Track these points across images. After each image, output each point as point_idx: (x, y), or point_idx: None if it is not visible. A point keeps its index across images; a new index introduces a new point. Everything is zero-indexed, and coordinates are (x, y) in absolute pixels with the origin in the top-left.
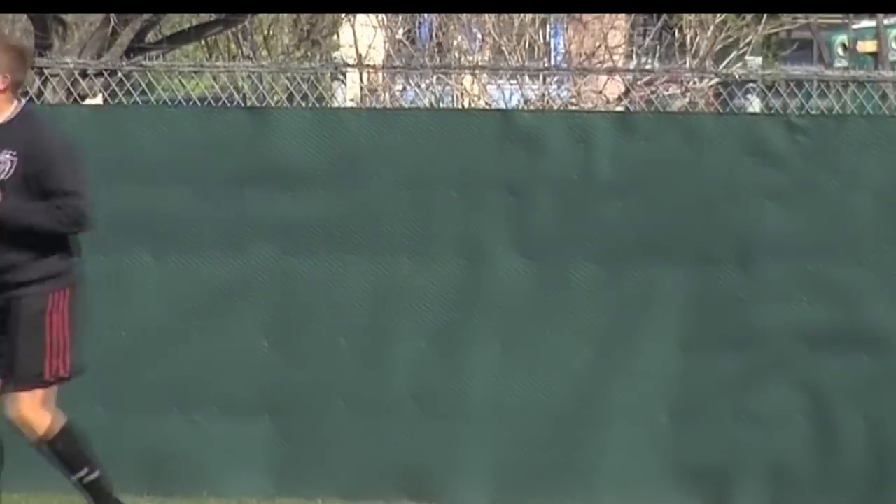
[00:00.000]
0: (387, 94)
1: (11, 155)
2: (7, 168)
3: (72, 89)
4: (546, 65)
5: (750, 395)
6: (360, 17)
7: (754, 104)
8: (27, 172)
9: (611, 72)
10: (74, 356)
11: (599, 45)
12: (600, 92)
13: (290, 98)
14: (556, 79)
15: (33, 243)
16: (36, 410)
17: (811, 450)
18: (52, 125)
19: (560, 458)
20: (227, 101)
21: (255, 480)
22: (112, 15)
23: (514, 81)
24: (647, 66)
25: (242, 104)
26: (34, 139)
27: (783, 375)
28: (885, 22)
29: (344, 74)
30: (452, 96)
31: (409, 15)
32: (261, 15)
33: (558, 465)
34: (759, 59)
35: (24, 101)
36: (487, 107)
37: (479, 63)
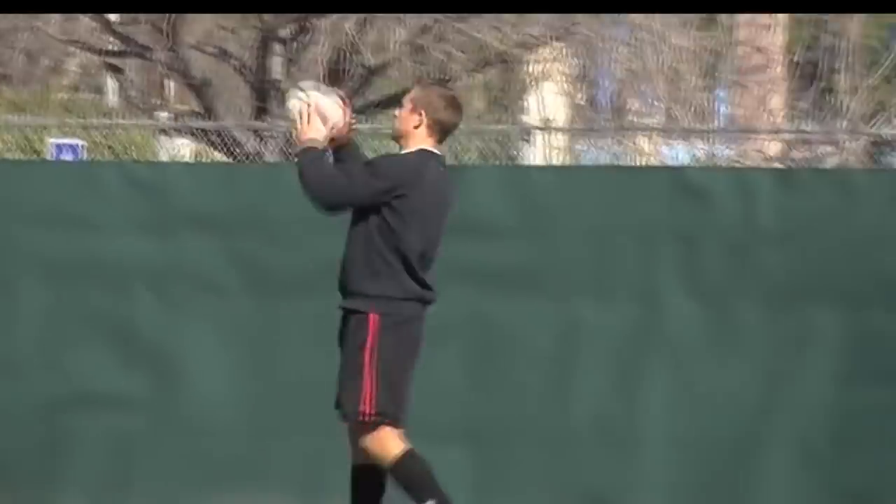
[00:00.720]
0: (569, 153)
1: None
2: None
3: (287, 150)
4: (712, 126)
5: None
6: (546, 85)
7: None
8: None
9: (772, 132)
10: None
11: (761, 108)
12: (761, 151)
13: (483, 156)
14: (721, 139)
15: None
16: (371, 442)
17: None
18: (417, 161)
19: (728, 482)
20: None
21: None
22: (324, 81)
23: (685, 141)
24: (805, 128)
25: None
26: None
27: None
28: None
29: (531, 135)
30: (628, 155)
31: (589, 82)
32: (456, 82)
33: (726, 490)
34: None
35: (435, 150)
36: (660, 164)
37: (653, 125)
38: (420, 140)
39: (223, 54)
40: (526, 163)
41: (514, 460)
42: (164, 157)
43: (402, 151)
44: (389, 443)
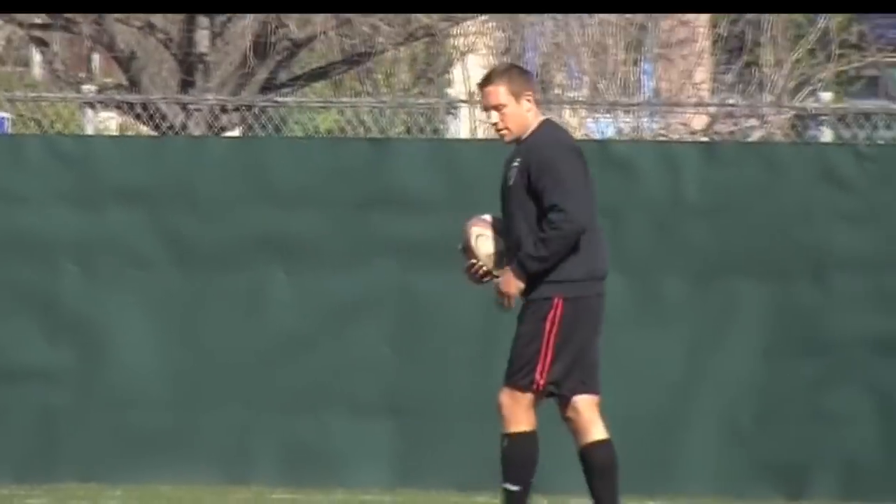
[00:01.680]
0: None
1: (517, 164)
2: (513, 176)
3: (213, 123)
4: (638, 100)
5: (824, 398)
6: (471, 58)
7: (826, 135)
8: (524, 180)
9: (697, 106)
10: (560, 372)
11: (686, 82)
12: (687, 124)
13: (409, 130)
14: (647, 112)
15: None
16: (512, 407)
17: (880, 448)
18: (557, 137)
19: (653, 454)
20: (351, 133)
21: (378, 473)
22: (249, 55)
23: (609, 115)
24: (730, 101)
25: (365, 136)
26: (533, 151)
27: (854, 380)
28: None
29: (457, 109)
30: None
31: (515, 55)
32: (381, 55)
33: (652, 461)
34: (830, 94)
35: (545, 118)
36: (585, 137)
37: (578, 98)
38: (535, 115)
39: (149, 27)
40: (452, 136)
41: (440, 433)
42: (89, 131)
43: (530, 131)
44: (528, 414)
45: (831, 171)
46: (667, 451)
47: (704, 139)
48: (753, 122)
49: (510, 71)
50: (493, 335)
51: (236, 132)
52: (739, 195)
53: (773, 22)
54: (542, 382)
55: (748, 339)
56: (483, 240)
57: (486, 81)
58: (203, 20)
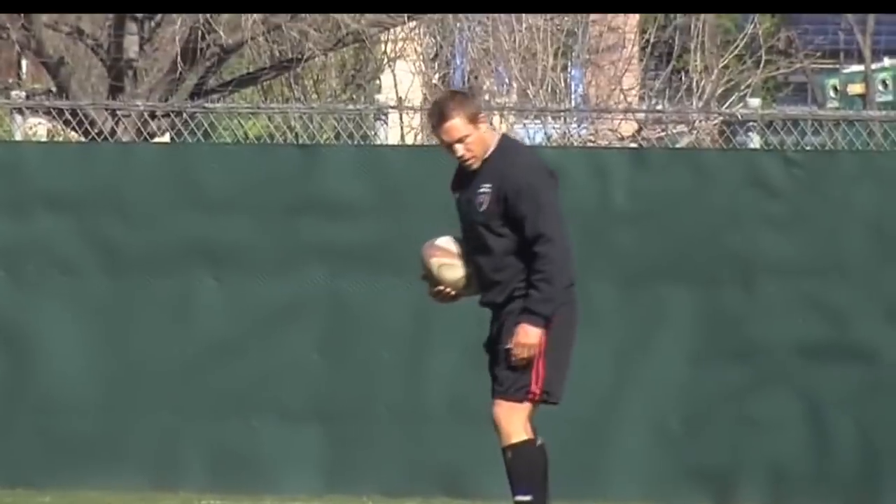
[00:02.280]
0: (424, 132)
1: (487, 188)
2: (485, 202)
3: (142, 129)
4: (567, 106)
5: (751, 403)
6: (400, 64)
7: (754, 141)
8: (500, 207)
9: (626, 112)
10: (553, 380)
11: (615, 88)
12: (615, 130)
13: (338, 136)
14: (575, 118)
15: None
16: (509, 419)
17: (807, 453)
18: (527, 160)
19: (581, 459)
20: (281, 140)
21: (307, 479)
22: (179, 61)
23: (538, 121)
24: (658, 107)
25: (295, 142)
26: (509, 178)
27: (782, 385)
28: (873, 66)
29: (386, 115)
30: None
31: (443, 61)
32: (311, 61)
33: (580, 465)
34: (758, 100)
35: (499, 133)
36: None
37: (507, 104)
38: (490, 133)
39: (78, 33)
40: (381, 142)
41: (368, 438)
42: (18, 137)
43: (492, 149)
44: (526, 425)
45: (759, 178)
46: (595, 455)
47: (633, 145)
48: (682, 128)
49: (458, 99)
50: (421, 340)
51: (165, 138)
52: (668, 201)
53: (702, 28)
54: (538, 392)
55: (676, 344)
56: (446, 269)
57: (441, 118)
58: (132, 26)
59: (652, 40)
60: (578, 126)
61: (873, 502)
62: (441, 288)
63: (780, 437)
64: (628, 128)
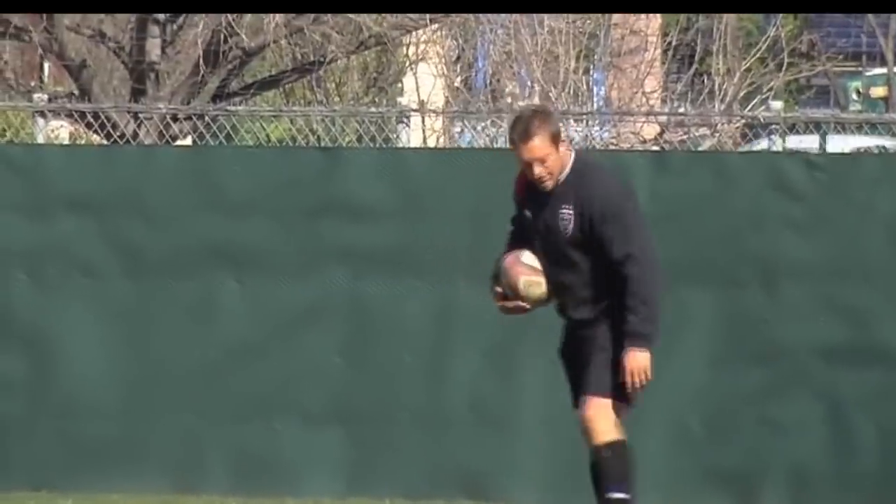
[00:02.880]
0: (446, 135)
1: (568, 211)
2: (568, 226)
3: (164, 132)
4: (589, 109)
5: (773, 406)
6: (422, 67)
7: (777, 144)
8: (584, 228)
9: (648, 115)
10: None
11: (637, 91)
12: (637, 133)
13: (360, 139)
14: (597, 121)
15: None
16: (601, 419)
17: (828, 455)
18: (606, 180)
19: None
20: (303, 142)
21: (329, 482)
22: (201, 63)
23: (561, 124)
24: (680, 110)
25: (317, 145)
26: (592, 200)
27: (803, 387)
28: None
29: (408, 118)
30: (505, 137)
31: (466, 64)
32: (333, 64)
33: None
34: (780, 103)
35: (573, 151)
36: None
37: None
38: (566, 152)
39: (100, 36)
40: (403, 145)
41: (390, 442)
42: (40, 140)
43: (567, 170)
44: (617, 424)
45: (781, 180)
46: None
47: (655, 148)
48: (704, 130)
49: (542, 117)
50: (443, 343)
51: (187, 141)
52: (690, 204)
53: (724, 31)
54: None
55: (698, 347)
56: (534, 286)
57: (525, 136)
58: (154, 29)
59: (674, 43)
60: (601, 129)
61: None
62: (521, 304)
63: (801, 439)
64: (650, 130)
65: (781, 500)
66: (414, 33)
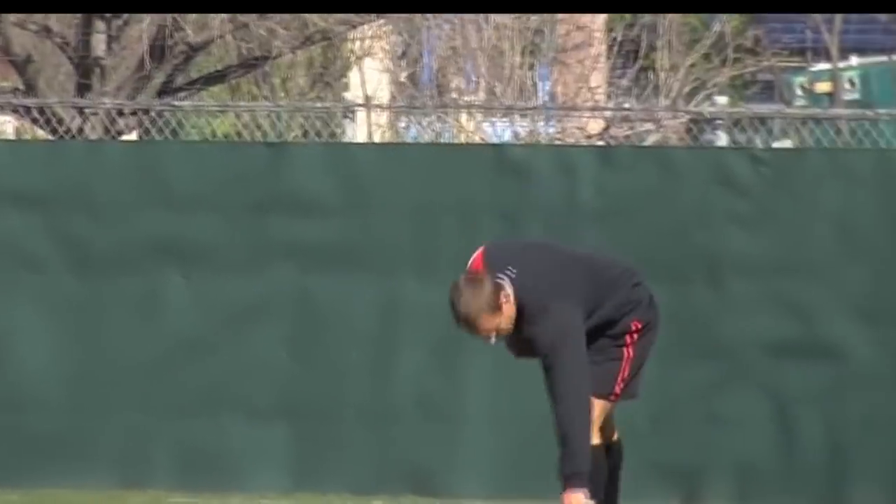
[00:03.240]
0: (391, 130)
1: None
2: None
3: (110, 127)
4: (534, 104)
5: (719, 401)
6: (368, 62)
7: (722, 139)
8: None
9: (593, 110)
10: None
11: (582, 86)
12: (583, 128)
13: (306, 134)
14: (543, 116)
15: None
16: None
17: (774, 450)
18: (543, 320)
19: (547, 456)
20: (248, 138)
21: (275, 477)
22: (146, 59)
23: (506, 119)
24: (626, 105)
25: (263, 140)
26: (532, 338)
27: (749, 383)
28: (840, 65)
29: (353, 113)
30: (451, 132)
31: (411, 59)
32: (278, 59)
33: (545, 463)
34: (725, 98)
35: (509, 289)
36: (482, 142)
37: (475, 102)
38: (510, 301)
39: (45, 31)
40: (349, 140)
41: (336, 437)
42: None
43: (513, 317)
44: (595, 430)
45: (726, 175)
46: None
47: (600, 143)
48: (649, 126)
49: (475, 295)
50: (389, 339)
51: (133, 136)
52: (635, 199)
53: (669, 26)
54: (618, 392)
55: None
56: None
57: (468, 325)
58: (100, 24)
59: (619, 38)
60: (546, 124)
61: (840, 499)
62: None
63: (747, 434)
64: (595, 126)
65: (728, 495)
66: (359, 28)
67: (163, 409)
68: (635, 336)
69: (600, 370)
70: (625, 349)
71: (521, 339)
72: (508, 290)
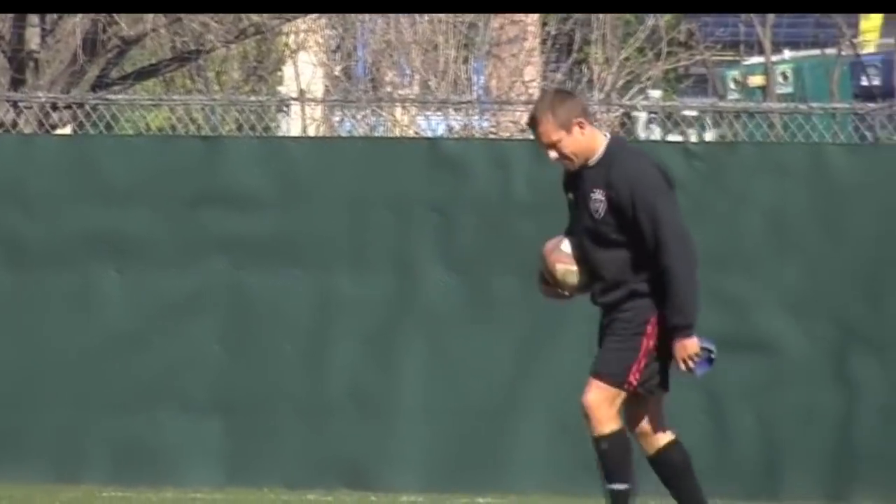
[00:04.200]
0: (326, 124)
1: (600, 196)
2: (600, 208)
3: (43, 121)
4: (468, 98)
5: None
6: (302, 56)
7: (655, 133)
8: (615, 216)
9: (527, 104)
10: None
11: (516, 80)
12: (517, 122)
13: (240, 128)
14: (477, 110)
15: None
16: (603, 407)
17: (707, 444)
18: (643, 166)
19: (482, 450)
20: (183, 131)
21: (209, 471)
22: (80, 52)
23: (440, 113)
24: None
25: (197, 134)
26: (627, 185)
27: (682, 376)
28: (773, 58)
29: (288, 107)
30: (385, 126)
31: (345, 53)
32: (212, 53)
33: (480, 457)
34: (659, 92)
35: (608, 135)
36: (416, 135)
37: (409, 96)
38: (597, 134)
39: None
40: (283, 134)
41: (270, 431)
42: None
43: (599, 153)
44: (617, 415)
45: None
46: (497, 447)
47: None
48: None
49: (550, 101)
50: (323, 332)
51: (67, 130)
52: None
53: (603, 20)
54: (634, 383)
55: (577, 335)
56: (570, 275)
57: (531, 122)
58: (33, 18)
59: (553, 32)
60: (480, 118)
61: (772, 493)
62: (559, 290)
63: (679, 428)
64: None
65: (659, 489)
66: (294, 22)
67: (96, 404)
68: (657, 328)
69: (613, 356)
70: (644, 339)
71: (584, 202)
72: (596, 131)
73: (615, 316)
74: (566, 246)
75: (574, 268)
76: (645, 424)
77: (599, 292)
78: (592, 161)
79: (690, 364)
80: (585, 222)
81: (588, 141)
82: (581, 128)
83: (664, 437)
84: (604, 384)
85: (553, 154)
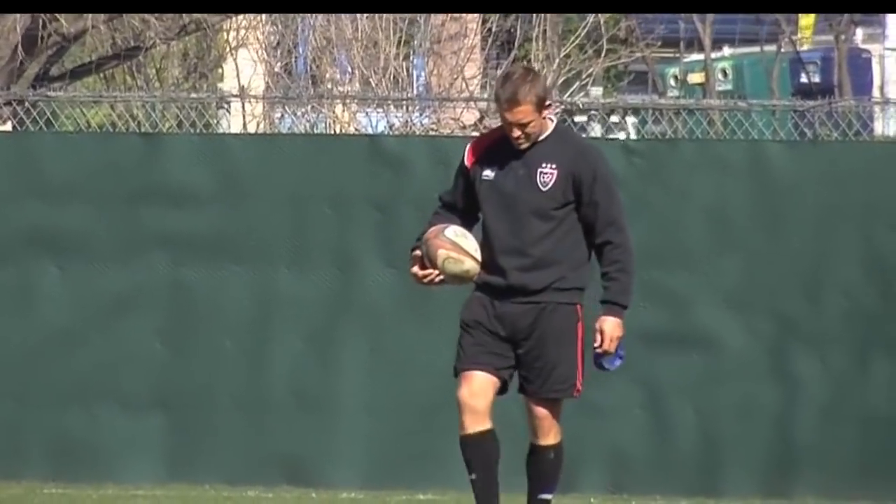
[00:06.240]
0: (266, 121)
1: (551, 169)
2: (549, 181)
3: None
4: (409, 95)
5: (592, 390)
6: (242, 53)
7: (595, 130)
8: (566, 189)
9: (468, 101)
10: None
11: (457, 77)
12: (457, 119)
13: (180, 125)
14: (418, 107)
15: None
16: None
17: (647, 439)
18: (594, 147)
19: (422, 447)
20: (123, 128)
21: (149, 468)
22: (20, 49)
23: (381, 109)
24: None
25: (137, 130)
26: (581, 161)
27: (622, 372)
28: (712, 56)
29: (228, 104)
30: (325, 123)
31: (286, 50)
32: (153, 49)
33: (421, 453)
34: (599, 89)
35: (553, 116)
36: (357, 132)
37: (349, 93)
38: (547, 120)
39: None
40: (223, 131)
41: (211, 427)
42: None
43: (548, 132)
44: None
45: None
46: (437, 443)
47: (475, 134)
48: None
49: (533, 81)
50: (263, 329)
51: (7, 127)
52: None
53: (543, 17)
54: (580, 388)
55: None
56: (451, 262)
57: (513, 101)
58: None
59: (494, 29)
60: (421, 115)
61: (712, 489)
62: (432, 275)
63: (620, 424)
64: (470, 117)
65: (600, 484)
66: (234, 19)
67: (37, 400)
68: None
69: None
70: (580, 344)
71: (527, 176)
72: (553, 118)
73: (547, 315)
74: (451, 233)
75: (456, 255)
76: (488, 404)
77: (519, 270)
78: (542, 137)
79: (613, 347)
80: (523, 197)
81: (545, 124)
82: (549, 109)
83: (489, 423)
84: (558, 400)
85: (517, 133)
